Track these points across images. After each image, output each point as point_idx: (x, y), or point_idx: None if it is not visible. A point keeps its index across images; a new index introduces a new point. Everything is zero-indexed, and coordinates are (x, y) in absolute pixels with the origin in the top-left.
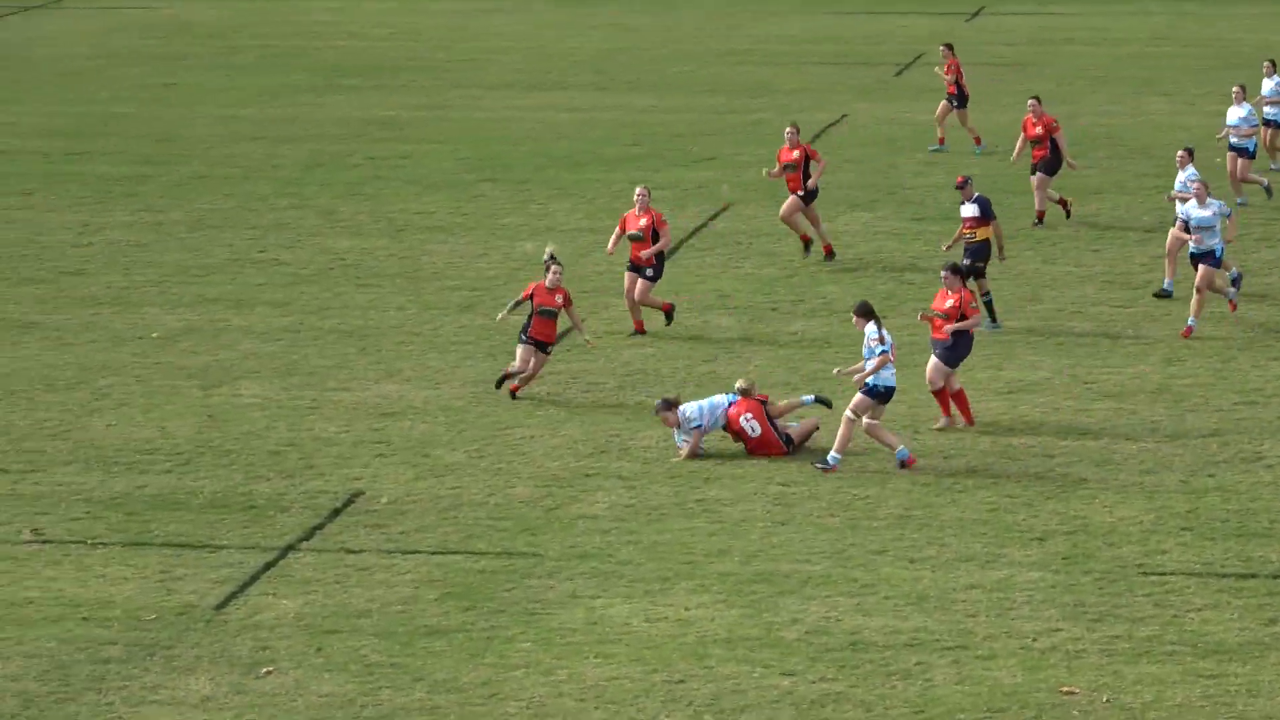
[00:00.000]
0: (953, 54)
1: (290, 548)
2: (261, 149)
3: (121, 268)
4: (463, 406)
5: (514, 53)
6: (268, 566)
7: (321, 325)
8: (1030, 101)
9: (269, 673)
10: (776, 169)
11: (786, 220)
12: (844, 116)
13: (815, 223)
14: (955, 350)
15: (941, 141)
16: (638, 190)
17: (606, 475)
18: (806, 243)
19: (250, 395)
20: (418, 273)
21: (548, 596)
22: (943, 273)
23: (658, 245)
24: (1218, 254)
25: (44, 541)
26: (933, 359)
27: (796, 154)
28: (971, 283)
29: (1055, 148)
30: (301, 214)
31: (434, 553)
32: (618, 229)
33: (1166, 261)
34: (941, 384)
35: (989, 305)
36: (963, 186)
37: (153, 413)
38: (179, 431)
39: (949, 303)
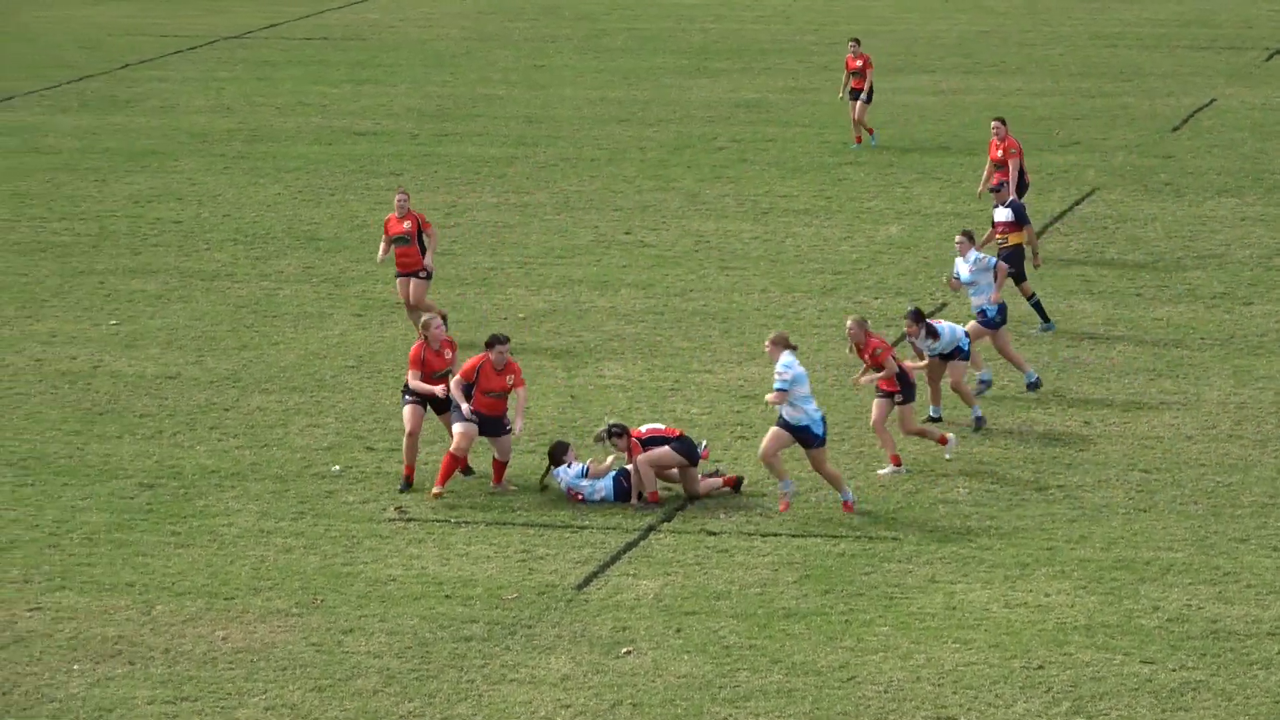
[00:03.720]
0: None
1: (651, 528)
2: (628, 131)
3: (488, 249)
4: (823, 390)
5: (880, 35)
6: (629, 547)
7: (684, 307)
8: None
9: (628, 653)
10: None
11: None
12: (1212, 101)
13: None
14: (905, 392)
15: None
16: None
17: (967, 460)
18: None
19: (613, 376)
20: (780, 255)
21: (906, 581)
22: (848, 325)
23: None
24: (989, 314)
25: (408, 519)
26: (876, 401)
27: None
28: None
29: None
30: (666, 196)
31: (793, 535)
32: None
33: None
34: (905, 425)
35: (1038, 307)
36: (997, 190)
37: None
38: (541, 411)
39: (866, 355)
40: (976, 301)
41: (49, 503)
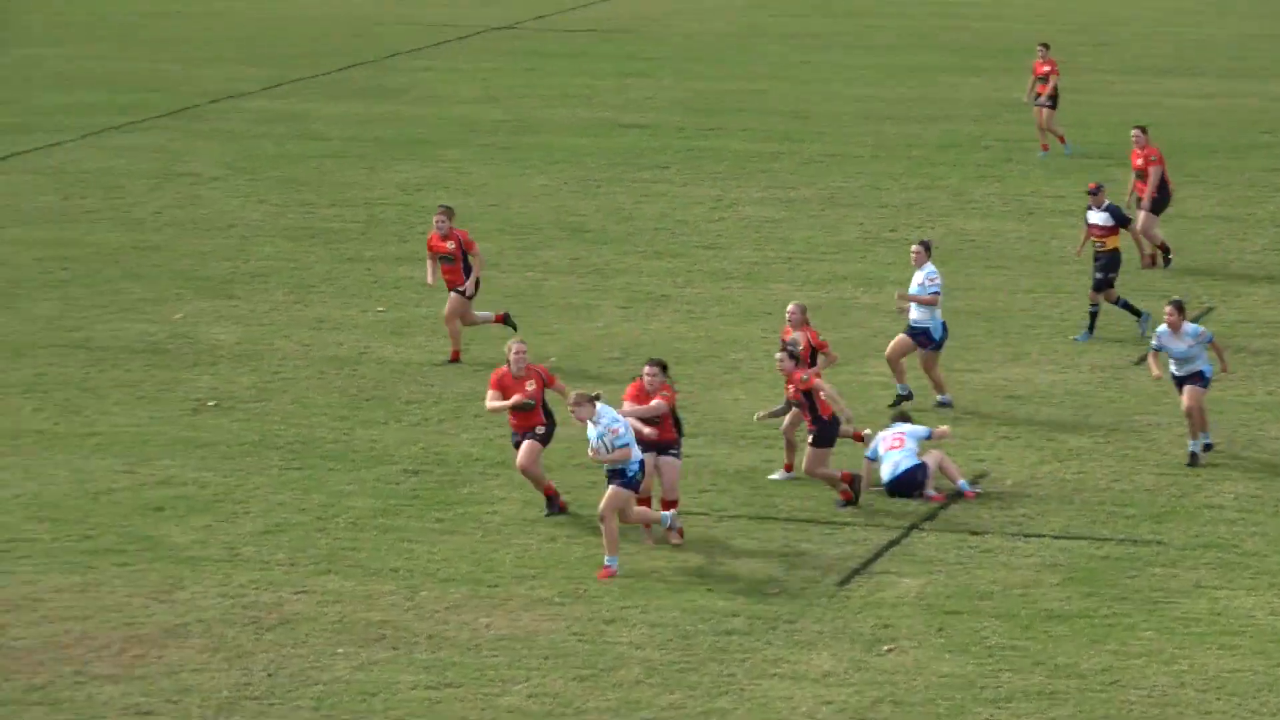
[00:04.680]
0: None
1: (914, 526)
2: (895, 128)
3: (754, 243)
4: (1089, 391)
5: (1150, 38)
6: (891, 544)
7: (950, 305)
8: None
9: (890, 650)
10: None
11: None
12: None
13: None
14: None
15: None
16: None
17: (1233, 466)
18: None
19: (875, 374)
20: (1046, 256)
21: (1171, 585)
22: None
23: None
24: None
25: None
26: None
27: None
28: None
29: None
30: (933, 194)
31: (1057, 537)
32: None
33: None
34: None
35: (1093, 317)
36: (1094, 193)
37: (778, 388)
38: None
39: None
40: (914, 315)
41: (316, 487)
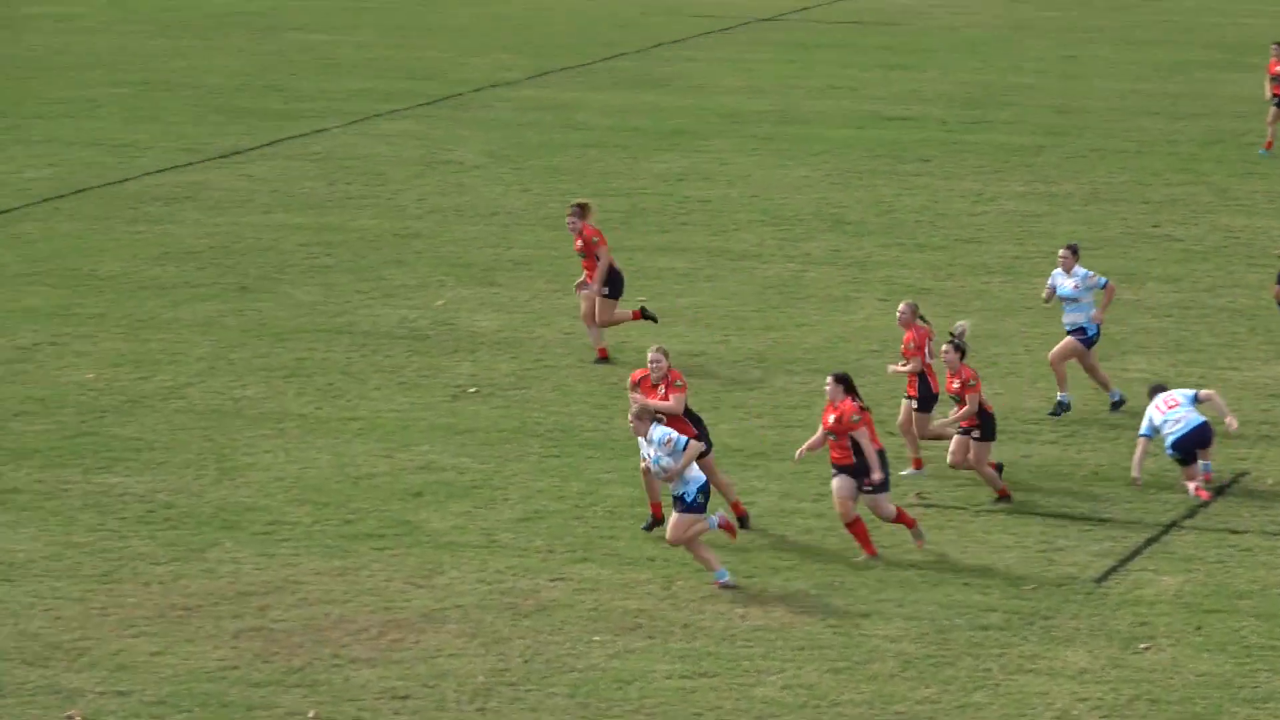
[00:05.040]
0: None
1: (1173, 524)
2: (1159, 124)
3: (1015, 238)
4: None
5: None
6: (1149, 542)
7: (1213, 303)
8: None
9: (1146, 648)
10: None
11: None
12: None
13: None
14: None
15: None
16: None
17: None
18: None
19: (1136, 370)
20: None
21: None
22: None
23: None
24: (1089, 332)
25: (927, 505)
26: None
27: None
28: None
29: None
30: (1196, 190)
31: None
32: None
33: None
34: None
35: None
36: None
37: (1039, 383)
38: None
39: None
40: (1074, 319)
41: (574, 475)
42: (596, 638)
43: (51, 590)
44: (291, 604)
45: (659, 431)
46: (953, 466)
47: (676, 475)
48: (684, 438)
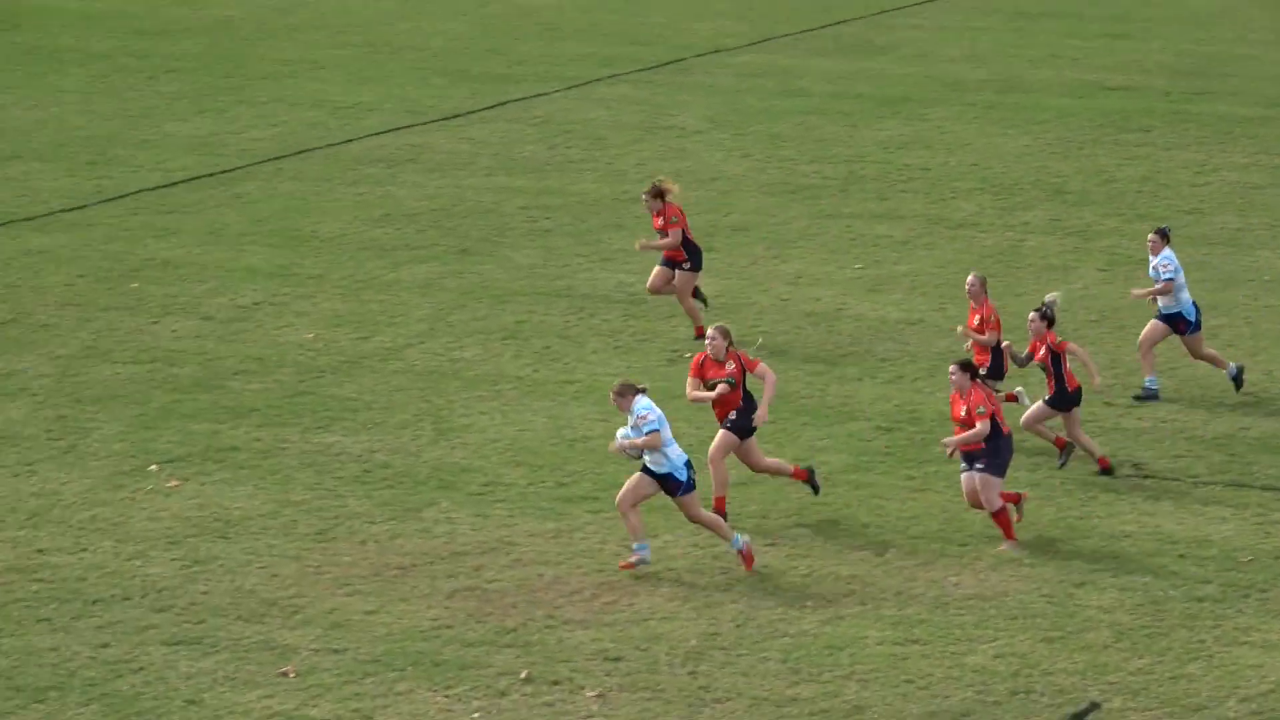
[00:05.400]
0: None
1: None
2: None
3: (1237, 209)
4: None
5: None
6: None
7: None
8: None
9: None
10: None
11: None
12: None
13: None
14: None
15: None
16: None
17: None
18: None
19: None
20: None
21: None
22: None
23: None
24: (1190, 318)
25: (1145, 477)
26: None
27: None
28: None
29: None
30: None
31: None
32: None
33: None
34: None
35: None
36: None
37: (1259, 356)
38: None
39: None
40: (1166, 303)
41: (789, 441)
42: (809, 603)
43: (268, 548)
44: (506, 565)
45: (640, 403)
46: (1026, 426)
47: (630, 449)
48: (653, 421)
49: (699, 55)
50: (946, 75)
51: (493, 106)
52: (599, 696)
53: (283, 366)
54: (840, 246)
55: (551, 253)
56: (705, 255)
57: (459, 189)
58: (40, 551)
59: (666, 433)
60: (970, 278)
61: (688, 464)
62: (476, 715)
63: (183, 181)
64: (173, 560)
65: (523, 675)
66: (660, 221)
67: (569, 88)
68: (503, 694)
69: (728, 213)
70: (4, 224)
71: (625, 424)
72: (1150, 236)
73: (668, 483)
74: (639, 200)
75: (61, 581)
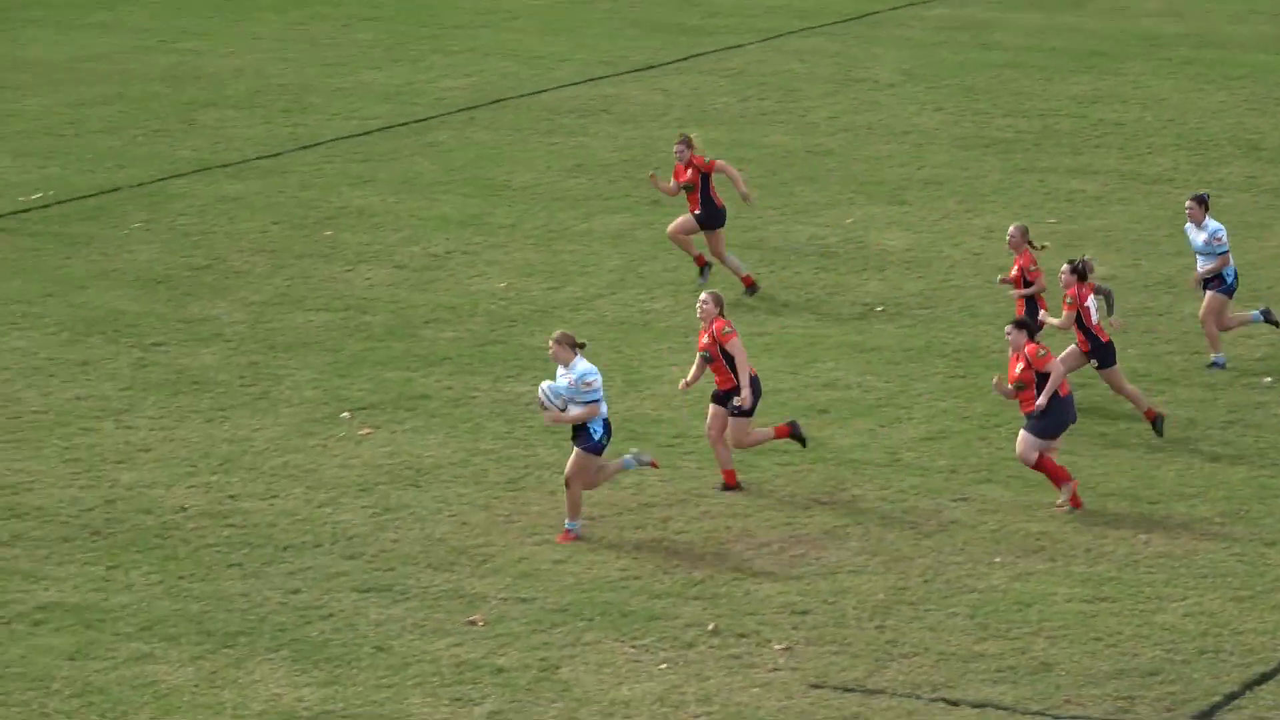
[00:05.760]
0: None
1: None
2: None
3: None
4: None
5: None
6: None
7: None
8: None
9: None
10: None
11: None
12: None
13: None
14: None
15: None
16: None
17: None
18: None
19: None
20: None
21: None
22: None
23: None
24: (1228, 280)
25: None
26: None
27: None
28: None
29: None
30: None
31: None
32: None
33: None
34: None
35: None
36: None
37: None
38: None
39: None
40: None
41: (979, 396)
42: (998, 559)
43: (458, 496)
44: (694, 516)
45: (583, 366)
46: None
47: (560, 420)
48: (595, 390)
49: (893, 8)
50: (1143, 29)
51: (686, 58)
52: (786, 650)
53: (474, 315)
54: (1034, 201)
55: (743, 205)
56: (898, 209)
57: (651, 140)
58: (232, 497)
59: (599, 395)
60: (1011, 228)
61: (605, 425)
62: (664, 666)
63: (377, 130)
64: (363, 508)
65: (710, 627)
66: (690, 173)
67: (763, 40)
68: (689, 645)
69: (920, 166)
70: (200, 171)
71: (555, 376)
72: (1188, 203)
73: (580, 434)
74: (830, 153)
75: (253, 527)
